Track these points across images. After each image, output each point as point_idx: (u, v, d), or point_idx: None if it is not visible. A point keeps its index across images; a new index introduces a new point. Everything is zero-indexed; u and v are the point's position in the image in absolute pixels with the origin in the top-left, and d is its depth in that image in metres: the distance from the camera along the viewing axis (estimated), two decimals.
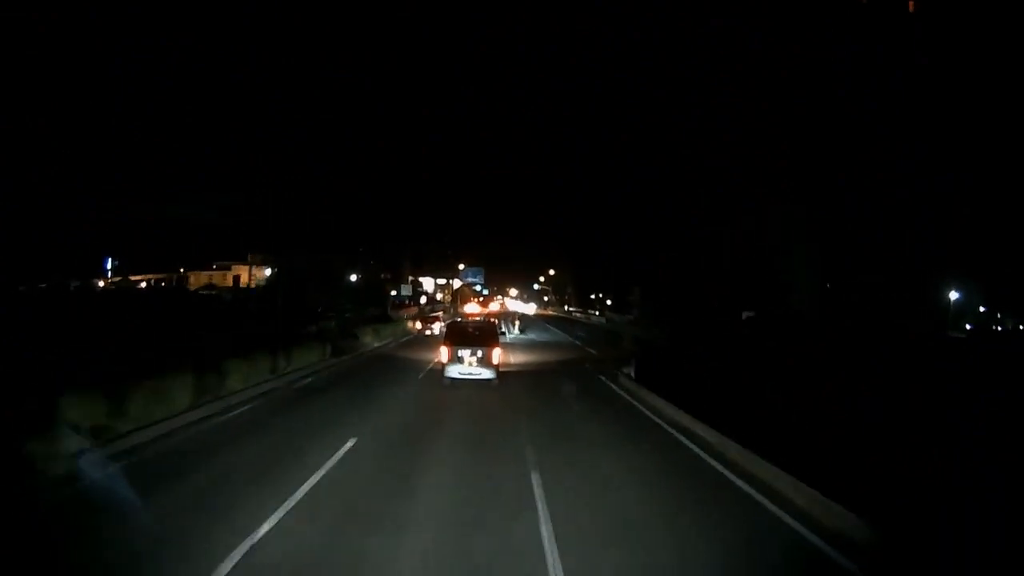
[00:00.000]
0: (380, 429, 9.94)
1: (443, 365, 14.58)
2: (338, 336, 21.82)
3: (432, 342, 24.06)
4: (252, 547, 5.10)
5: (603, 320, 56.45)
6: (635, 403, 13.31)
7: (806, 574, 5.37)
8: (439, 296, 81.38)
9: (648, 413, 12.07)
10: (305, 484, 6.79)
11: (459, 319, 25.01)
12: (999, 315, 53.13)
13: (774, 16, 29.62)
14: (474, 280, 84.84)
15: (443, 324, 32.80)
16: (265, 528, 5.50)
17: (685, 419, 10.73)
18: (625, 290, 68.22)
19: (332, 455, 8.08)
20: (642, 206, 49.02)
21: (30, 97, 28.55)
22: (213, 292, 50.94)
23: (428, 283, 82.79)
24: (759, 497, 6.89)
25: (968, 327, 46.94)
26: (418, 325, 35.65)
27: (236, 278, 44.98)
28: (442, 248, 78.25)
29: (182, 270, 63.33)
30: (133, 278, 60.04)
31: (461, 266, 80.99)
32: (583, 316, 67.40)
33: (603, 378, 17.24)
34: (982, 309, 51.86)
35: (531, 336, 35.12)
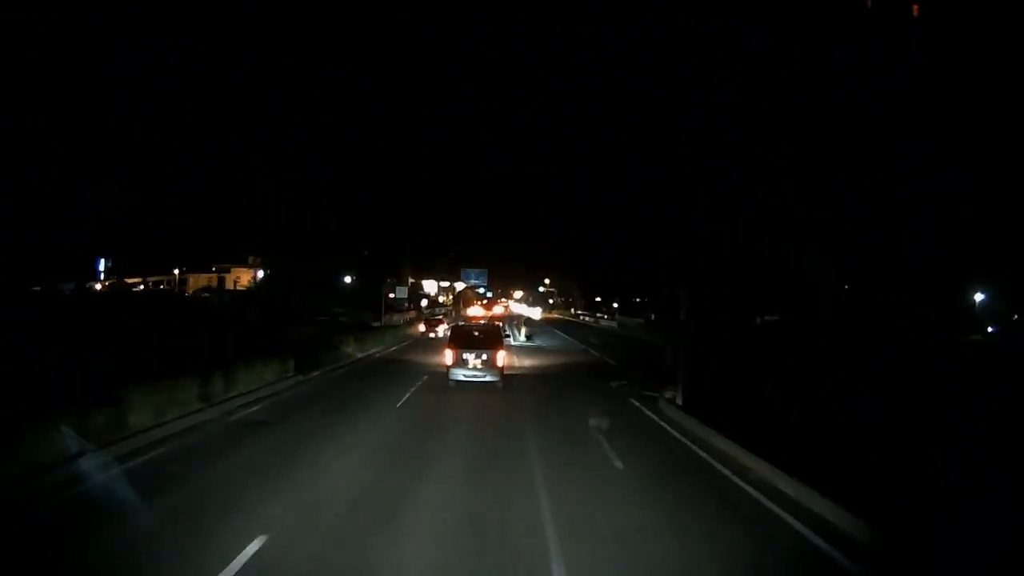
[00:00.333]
0: (312, 515, 6.05)
1: (448, 367, 14.68)
2: (314, 346, 18.34)
3: (426, 355, 21.08)
4: None
5: (614, 324, 53.21)
6: (693, 446, 9.57)
7: None
8: (441, 299, 78.12)
9: (719, 466, 8.34)
10: None
11: (462, 323, 23.90)
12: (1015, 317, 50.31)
13: (774, 16, 29.37)
14: (477, 282, 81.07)
15: (447, 327, 33.64)
16: None
17: (792, 487, 6.95)
18: (631, 292, 64.99)
19: None
20: (643, 206, 48.54)
21: (30, 97, 28.77)
22: (204, 295, 48.40)
23: (430, 286, 79.60)
24: None
25: (990, 329, 44.33)
26: (422, 328, 36.87)
27: (221, 279, 42.28)
28: (443, 250, 75.37)
29: (176, 271, 60.91)
30: (129, 280, 57.51)
31: (463, 269, 77.53)
32: (592, 320, 63.95)
33: (637, 403, 13.49)
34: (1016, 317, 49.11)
35: (540, 343, 31.43)
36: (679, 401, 12.26)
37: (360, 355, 21.45)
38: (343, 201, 50.53)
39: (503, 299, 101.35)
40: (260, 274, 53.03)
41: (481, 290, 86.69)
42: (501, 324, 26.26)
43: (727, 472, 8.05)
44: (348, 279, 44.81)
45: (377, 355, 23.02)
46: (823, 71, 28.02)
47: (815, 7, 28.91)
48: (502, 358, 14.84)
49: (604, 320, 59.73)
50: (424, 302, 65.60)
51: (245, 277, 59.47)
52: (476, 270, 77.77)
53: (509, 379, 15.54)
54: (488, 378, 14.37)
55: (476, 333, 15.88)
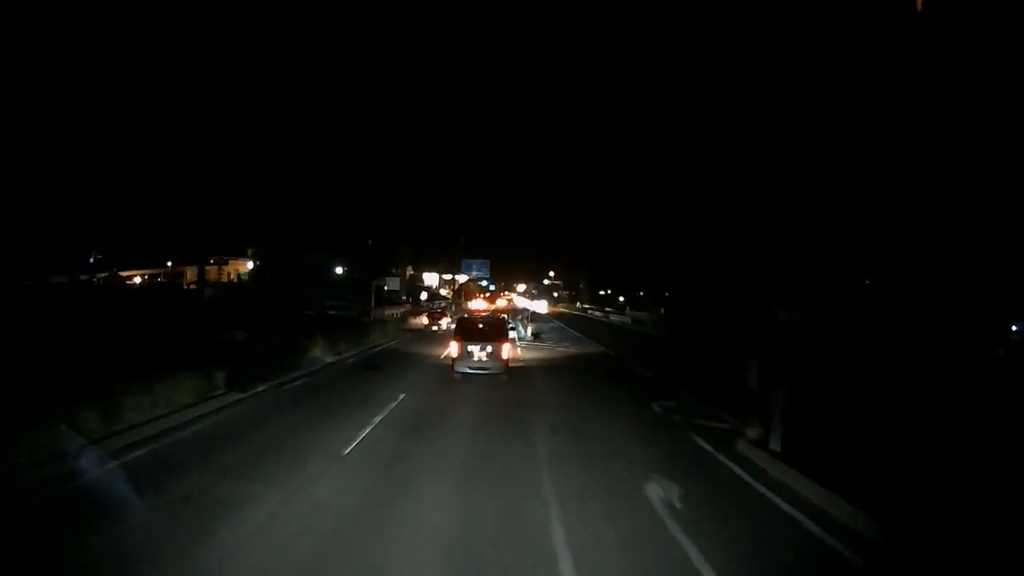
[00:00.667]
0: None
1: (453, 360, 15.05)
2: (273, 349, 17.51)
3: (408, 361, 19.37)
4: None
5: (626, 320, 48.94)
6: (828, 538, 5.75)
7: None
8: (443, 292, 77.56)
9: None
10: None
11: (466, 315, 23.99)
12: None
13: (774, 16, 29.00)
14: (479, 274, 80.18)
15: (451, 320, 34.05)
16: None
17: None
18: (637, 286, 63.49)
19: None
20: (643, 206, 48.59)
21: (29, 96, 28.70)
22: (192, 287, 48.20)
23: (431, 278, 79.05)
24: None
25: (1015, 328, 42.68)
26: (424, 320, 37.36)
27: (201, 271, 42.10)
28: (445, 241, 74.77)
29: (169, 263, 60.91)
30: (123, 273, 57.71)
31: (465, 260, 76.67)
32: (601, 315, 58.39)
33: (702, 442, 9.33)
34: None
35: (549, 343, 26.88)
36: (774, 445, 8.32)
37: (332, 359, 18.56)
38: (343, 200, 50.29)
39: (506, 292, 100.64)
40: (250, 265, 52.92)
41: (484, 283, 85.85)
42: (506, 317, 25.92)
43: None
44: (339, 270, 44.35)
45: (355, 358, 19.85)
46: (823, 71, 27.69)
47: (815, 7, 29.22)
48: (507, 351, 15.36)
49: (614, 315, 55.37)
50: (424, 295, 65.05)
51: (243, 270, 59.54)
52: (478, 261, 76.79)
53: (520, 389, 13.92)
54: (493, 370, 14.82)
55: (481, 326, 16.33)
